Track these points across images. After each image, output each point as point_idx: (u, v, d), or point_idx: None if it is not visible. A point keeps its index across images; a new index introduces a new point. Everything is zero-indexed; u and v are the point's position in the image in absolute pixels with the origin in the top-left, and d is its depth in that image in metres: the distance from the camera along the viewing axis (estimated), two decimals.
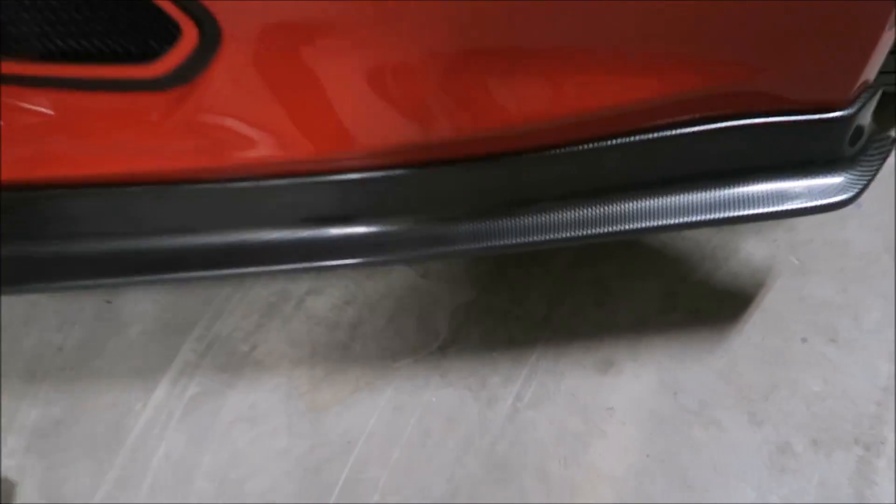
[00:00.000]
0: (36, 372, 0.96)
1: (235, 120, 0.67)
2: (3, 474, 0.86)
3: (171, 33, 0.61)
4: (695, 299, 0.94)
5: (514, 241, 0.72)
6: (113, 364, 0.97)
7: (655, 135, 0.68)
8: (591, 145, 0.68)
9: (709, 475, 0.79)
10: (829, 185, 0.72)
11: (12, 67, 0.61)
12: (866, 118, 0.72)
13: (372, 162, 0.70)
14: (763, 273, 0.95)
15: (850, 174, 0.72)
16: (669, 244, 1.00)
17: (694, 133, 0.68)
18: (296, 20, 0.59)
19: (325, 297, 1.00)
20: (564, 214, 0.73)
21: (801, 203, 0.72)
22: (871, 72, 0.69)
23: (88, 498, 0.84)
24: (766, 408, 0.83)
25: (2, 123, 0.63)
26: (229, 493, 0.84)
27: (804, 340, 0.88)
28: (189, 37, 0.60)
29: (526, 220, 0.73)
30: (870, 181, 0.72)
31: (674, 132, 0.68)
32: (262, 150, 0.69)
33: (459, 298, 0.98)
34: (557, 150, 0.69)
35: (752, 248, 0.98)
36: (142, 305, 1.03)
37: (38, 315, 1.02)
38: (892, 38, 0.68)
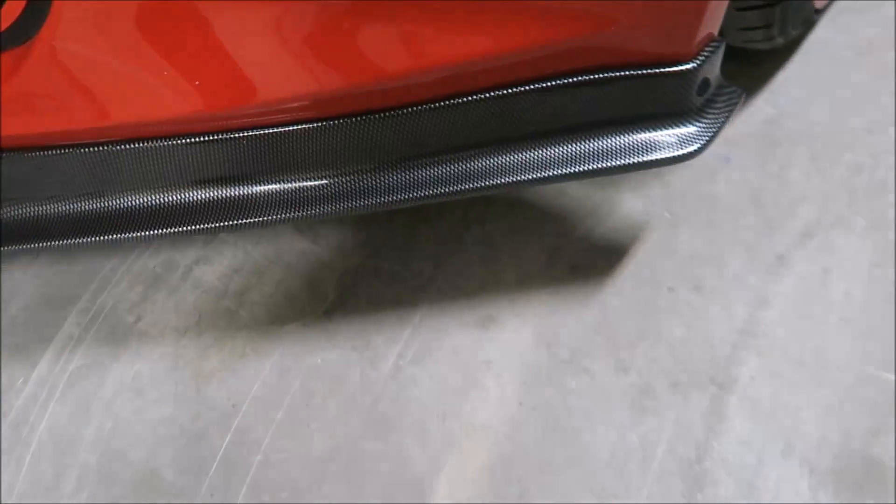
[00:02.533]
0: None
1: (85, 80, 0.65)
2: None
3: None
4: (574, 255, 0.97)
5: (395, 198, 0.74)
6: None
7: (511, 90, 0.70)
8: (448, 102, 0.70)
9: (577, 420, 0.83)
10: (678, 136, 0.75)
11: None
12: (713, 71, 0.76)
13: (243, 121, 0.70)
14: (639, 228, 0.99)
15: (698, 125, 0.75)
16: (554, 202, 1.03)
17: (546, 88, 0.70)
18: None
19: (212, 265, 1.00)
20: (437, 170, 0.75)
21: (652, 155, 0.75)
22: (712, 25, 0.72)
23: None
24: (632, 355, 0.87)
25: None
26: (112, 462, 0.84)
27: (671, 290, 0.92)
28: None
29: (402, 176, 0.74)
30: (717, 132, 0.76)
31: (527, 88, 0.70)
32: (121, 111, 0.67)
33: (348, 262, 0.99)
34: (417, 108, 0.70)
35: (630, 204, 1.02)
36: (24, 280, 1.01)
37: None
38: None
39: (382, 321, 0.93)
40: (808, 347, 0.86)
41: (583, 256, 0.97)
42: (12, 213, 0.77)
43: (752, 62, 1.14)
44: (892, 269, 0.90)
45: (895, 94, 1.08)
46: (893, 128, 1.04)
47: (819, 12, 1.10)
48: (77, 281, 1.00)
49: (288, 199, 0.75)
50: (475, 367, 0.88)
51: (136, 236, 0.76)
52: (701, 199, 1.01)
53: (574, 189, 1.04)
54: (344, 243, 1.00)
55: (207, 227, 0.75)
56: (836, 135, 1.05)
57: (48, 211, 0.77)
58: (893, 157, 1.01)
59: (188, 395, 0.88)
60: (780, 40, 0.98)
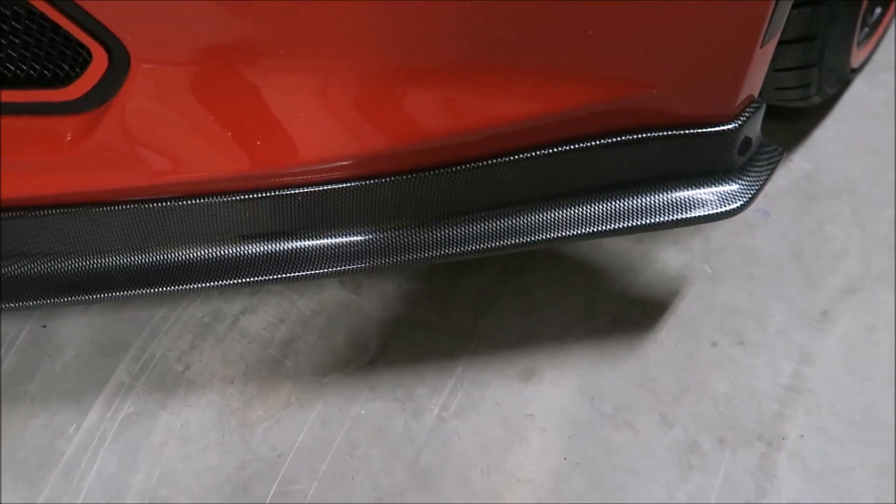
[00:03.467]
0: None
1: (154, 140, 0.69)
2: None
3: (82, 57, 0.64)
4: (614, 308, 0.98)
5: (440, 252, 0.76)
6: (45, 388, 0.97)
7: (555, 150, 0.72)
8: (492, 161, 0.72)
9: (622, 476, 0.82)
10: (720, 194, 0.76)
11: None
12: (754, 130, 0.77)
13: (296, 179, 0.73)
14: (678, 281, 1.00)
15: (740, 183, 0.76)
16: (592, 256, 1.04)
17: (589, 147, 0.72)
18: (204, 42, 0.62)
19: (258, 315, 1.02)
20: (482, 226, 0.77)
21: (694, 212, 0.76)
22: (752, 87, 0.74)
23: None
24: (676, 410, 0.87)
25: None
26: None
27: (714, 344, 0.92)
28: (99, 60, 0.63)
29: (447, 232, 0.77)
30: (759, 190, 0.77)
31: (570, 147, 0.72)
32: (184, 169, 0.71)
33: (389, 314, 1.01)
34: (466, 166, 0.73)
35: (669, 258, 1.02)
36: (77, 329, 1.04)
37: None
38: (767, 55, 0.73)
39: (424, 372, 0.94)
40: (857, 405, 0.85)
41: (622, 310, 0.98)
42: (70, 265, 0.80)
43: (788, 119, 1.15)
44: None
45: None
46: None
47: (855, 71, 1.12)
48: (128, 329, 1.03)
49: (336, 254, 0.78)
50: (518, 420, 0.88)
51: (189, 288, 0.79)
52: (741, 253, 1.01)
53: (612, 243, 1.05)
54: (386, 295, 1.03)
55: (257, 280, 0.78)
56: (874, 190, 1.05)
57: (104, 264, 0.81)
58: None
59: (234, 445, 0.89)
60: (816, 99, 0.99)
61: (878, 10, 1.13)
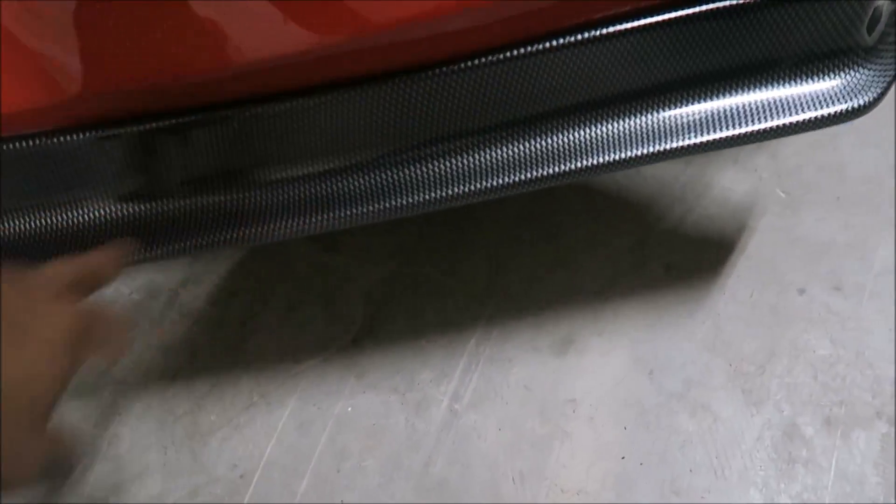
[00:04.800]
0: None
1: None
2: None
3: None
4: (666, 252, 0.76)
5: (428, 197, 0.52)
6: None
7: (625, 27, 0.48)
8: (523, 50, 0.48)
9: (703, 477, 0.62)
10: (845, 84, 0.54)
11: None
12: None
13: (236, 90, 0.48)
14: (745, 212, 0.77)
15: (871, 69, 0.54)
16: (631, 188, 0.81)
17: (682, 19, 0.48)
18: None
19: (204, 287, 0.78)
20: (502, 152, 0.53)
21: (813, 111, 0.54)
22: None
23: None
24: (763, 382, 0.66)
25: None
26: None
27: (802, 292, 0.71)
28: None
29: (443, 166, 0.52)
30: (893, 80, 0.55)
31: (654, 20, 0.48)
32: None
33: (376, 273, 0.77)
34: (484, 59, 0.48)
35: (730, 182, 0.80)
36: None
37: None
38: None
39: (428, 350, 0.72)
40: None
41: (678, 253, 0.76)
42: None
43: None
44: None
45: None
46: None
47: None
48: None
49: (289, 204, 0.53)
50: (555, 407, 0.67)
51: None
52: (823, 171, 0.79)
53: (656, 168, 0.82)
54: (369, 251, 0.79)
55: (184, 247, 0.54)
56: None
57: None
58: None
59: (182, 464, 0.67)
60: None
61: None
